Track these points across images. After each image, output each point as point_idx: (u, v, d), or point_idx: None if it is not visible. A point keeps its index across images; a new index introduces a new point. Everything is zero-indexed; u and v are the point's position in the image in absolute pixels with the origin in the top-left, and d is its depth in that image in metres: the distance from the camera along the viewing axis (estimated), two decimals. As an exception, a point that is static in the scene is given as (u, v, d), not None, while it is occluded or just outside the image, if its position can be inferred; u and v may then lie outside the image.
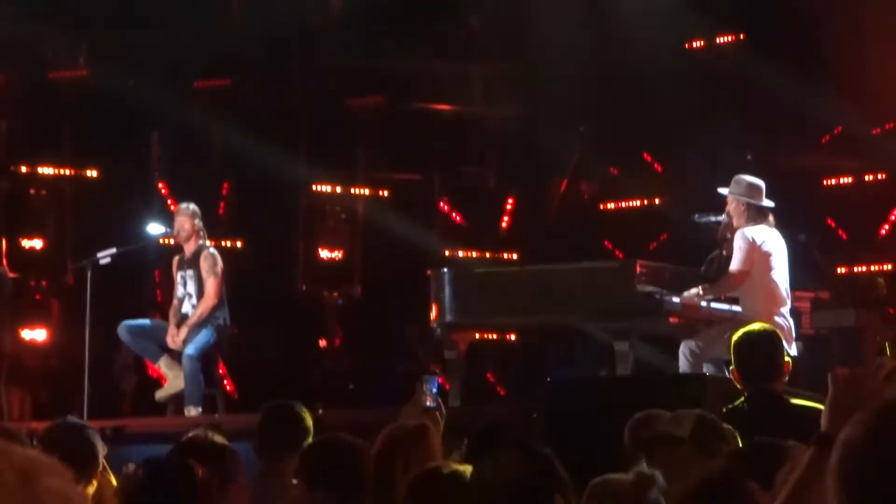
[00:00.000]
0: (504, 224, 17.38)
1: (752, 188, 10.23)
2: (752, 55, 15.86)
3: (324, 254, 16.42)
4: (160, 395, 12.24)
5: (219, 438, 5.71)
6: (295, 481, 5.43)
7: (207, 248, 12.14)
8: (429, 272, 11.39)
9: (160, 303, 14.85)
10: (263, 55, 16.50)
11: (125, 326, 12.15)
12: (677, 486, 4.13)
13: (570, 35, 15.51)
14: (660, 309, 10.12)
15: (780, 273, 10.17)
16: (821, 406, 3.09)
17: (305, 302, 16.54)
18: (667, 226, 15.91)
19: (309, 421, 6.80)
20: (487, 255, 16.69)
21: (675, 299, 10.16)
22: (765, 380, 7.15)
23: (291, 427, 6.74)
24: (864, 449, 2.11)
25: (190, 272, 12.07)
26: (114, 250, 12.24)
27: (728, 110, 15.80)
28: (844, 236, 16.04)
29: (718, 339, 9.61)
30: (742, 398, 7.09)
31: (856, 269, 15.25)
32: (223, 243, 14.44)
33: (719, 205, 10.48)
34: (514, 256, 16.62)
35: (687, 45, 16.57)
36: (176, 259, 12.26)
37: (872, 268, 14.94)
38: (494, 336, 15.54)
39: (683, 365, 9.98)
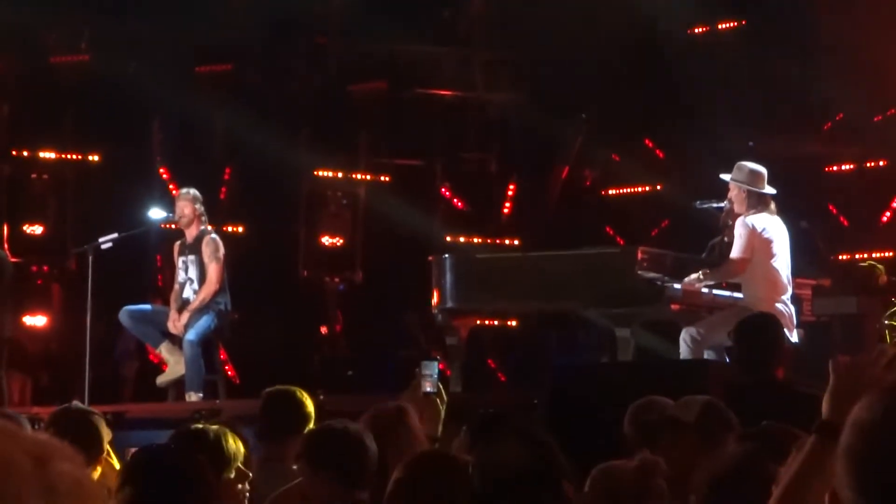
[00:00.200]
0: (506, 210, 17.36)
1: (754, 175, 10.23)
2: (754, 42, 15.85)
3: (325, 239, 16.40)
4: (161, 380, 12.24)
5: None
6: (296, 466, 5.44)
7: (209, 233, 12.13)
8: (430, 258, 11.41)
9: (161, 288, 14.86)
10: (265, 41, 16.48)
11: (126, 311, 12.15)
12: (697, 471, 4.11)
13: (572, 21, 15.47)
14: (661, 295, 10.14)
15: (782, 260, 10.17)
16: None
17: (306, 287, 16.52)
18: (668, 212, 15.91)
19: (310, 406, 6.82)
20: (489, 241, 16.68)
21: (677, 286, 10.18)
22: (766, 367, 7.16)
23: (293, 412, 6.78)
24: (877, 429, 2.10)
25: (191, 257, 12.06)
26: (115, 235, 12.21)
27: (730, 97, 15.80)
28: (846, 223, 16.04)
29: (720, 325, 9.62)
30: (743, 385, 7.10)
31: (857, 256, 15.24)
32: (224, 228, 14.42)
33: (721, 191, 10.47)
34: (516, 242, 16.62)
35: (689, 31, 16.55)
36: (177, 244, 12.26)
37: (874, 255, 14.92)
38: (496, 322, 15.55)
39: (684, 351, 9.98)
